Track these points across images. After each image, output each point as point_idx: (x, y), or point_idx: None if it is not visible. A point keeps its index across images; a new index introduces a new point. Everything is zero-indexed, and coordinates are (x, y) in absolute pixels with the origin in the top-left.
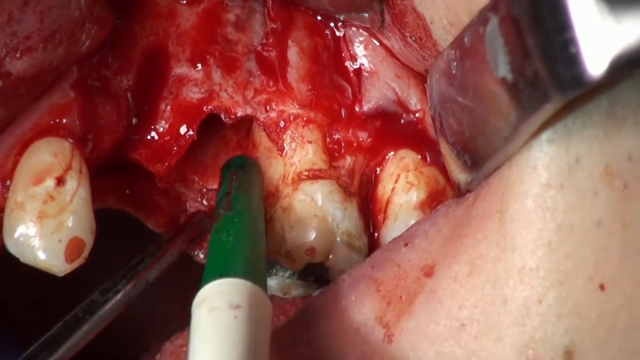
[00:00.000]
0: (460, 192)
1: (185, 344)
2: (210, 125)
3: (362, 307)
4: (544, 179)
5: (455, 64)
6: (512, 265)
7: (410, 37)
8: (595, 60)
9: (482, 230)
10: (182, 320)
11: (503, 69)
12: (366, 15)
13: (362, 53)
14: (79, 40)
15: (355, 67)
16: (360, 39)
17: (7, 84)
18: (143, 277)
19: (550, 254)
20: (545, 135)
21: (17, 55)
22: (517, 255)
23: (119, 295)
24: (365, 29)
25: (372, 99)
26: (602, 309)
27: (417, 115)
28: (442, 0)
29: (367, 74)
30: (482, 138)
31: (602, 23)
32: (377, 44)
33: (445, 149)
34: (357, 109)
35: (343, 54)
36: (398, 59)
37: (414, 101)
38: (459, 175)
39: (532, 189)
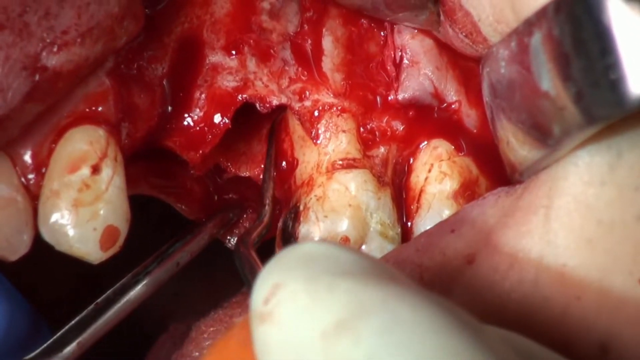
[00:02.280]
0: (513, 177)
1: (215, 324)
2: (243, 113)
3: None
4: (586, 176)
5: (504, 63)
6: (554, 262)
7: (461, 33)
8: (636, 86)
9: (527, 224)
10: (206, 304)
11: (546, 84)
12: (423, 17)
13: (407, 43)
14: (117, 36)
15: (396, 56)
16: (409, 29)
17: (44, 78)
18: (174, 259)
19: (591, 251)
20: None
21: (54, 50)
22: (560, 252)
23: (149, 278)
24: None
25: (409, 89)
26: None
27: (453, 106)
28: None
29: (407, 63)
30: (528, 145)
31: None
32: (425, 36)
33: (506, 129)
34: (392, 98)
35: (388, 42)
36: (444, 51)
37: (451, 93)
38: (528, 154)
39: (575, 186)
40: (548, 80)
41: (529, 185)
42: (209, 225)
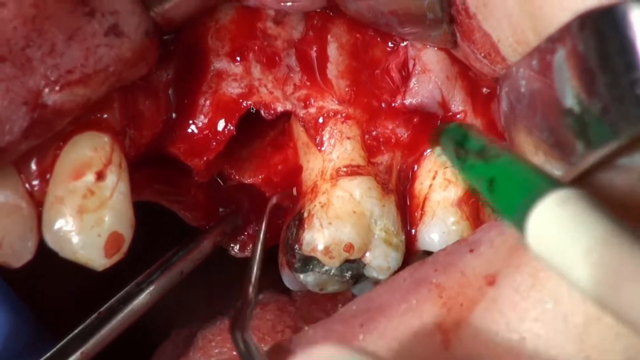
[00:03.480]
0: None
1: (222, 333)
2: (247, 120)
3: (422, 312)
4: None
5: (524, 82)
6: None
7: (480, 53)
8: None
9: None
10: (207, 311)
11: (570, 101)
12: (435, 35)
13: (421, 52)
14: (124, 79)
15: (407, 62)
16: None
17: (43, 115)
18: (178, 268)
19: None
20: None
21: (57, 88)
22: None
23: (153, 287)
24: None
25: (418, 95)
26: None
27: (458, 116)
28: (506, 19)
29: (419, 69)
30: (549, 163)
31: None
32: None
33: (526, 148)
34: (398, 103)
35: (398, 49)
36: (455, 61)
37: (457, 102)
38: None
39: None
40: (572, 96)
41: None
42: (213, 233)
